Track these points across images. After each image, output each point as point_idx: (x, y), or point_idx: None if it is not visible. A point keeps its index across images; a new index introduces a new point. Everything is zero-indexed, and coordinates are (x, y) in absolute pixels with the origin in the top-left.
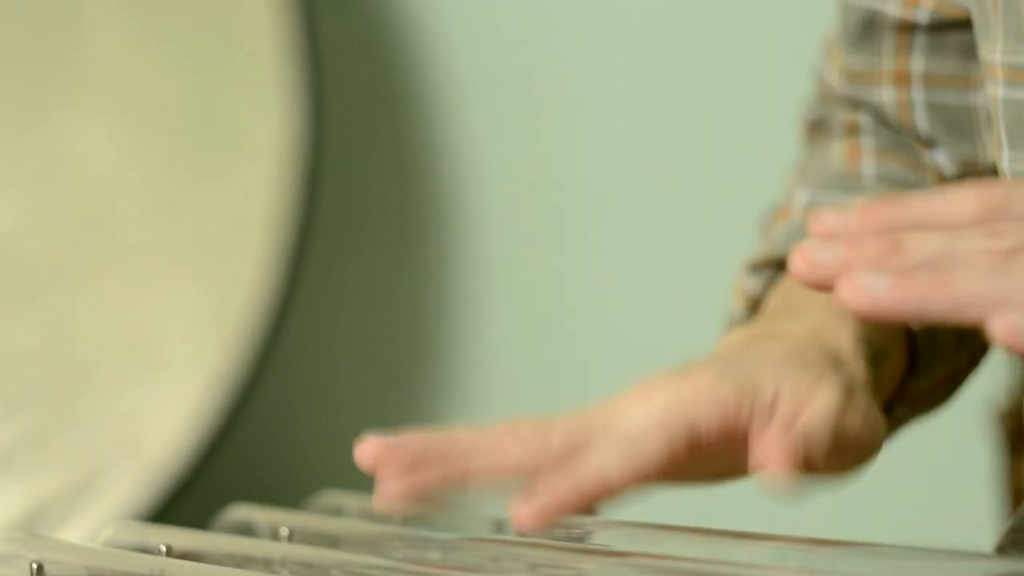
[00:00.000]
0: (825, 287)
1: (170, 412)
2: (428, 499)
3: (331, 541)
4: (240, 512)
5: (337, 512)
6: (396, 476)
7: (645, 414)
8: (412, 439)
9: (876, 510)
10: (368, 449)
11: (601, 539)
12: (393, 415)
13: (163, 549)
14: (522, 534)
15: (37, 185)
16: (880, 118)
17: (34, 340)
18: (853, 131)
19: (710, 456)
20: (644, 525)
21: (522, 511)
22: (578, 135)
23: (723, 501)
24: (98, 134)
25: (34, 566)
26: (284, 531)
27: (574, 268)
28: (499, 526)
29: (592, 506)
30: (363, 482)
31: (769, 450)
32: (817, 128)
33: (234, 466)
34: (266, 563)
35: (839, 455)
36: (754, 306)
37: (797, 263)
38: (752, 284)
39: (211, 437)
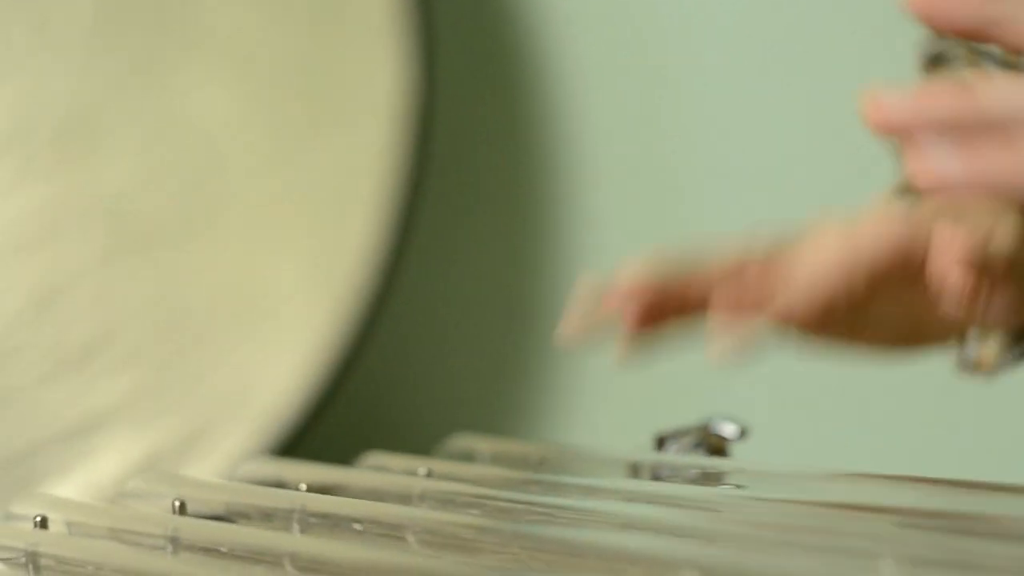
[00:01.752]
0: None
1: (281, 366)
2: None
3: (467, 482)
4: (375, 458)
5: (469, 455)
6: (636, 323)
7: (824, 250)
8: (649, 288)
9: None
10: (614, 297)
11: (734, 482)
12: (505, 369)
13: (303, 487)
14: (656, 476)
15: (151, 142)
16: None
17: (147, 295)
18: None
19: (890, 300)
20: (779, 471)
21: (714, 347)
22: (695, 102)
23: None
24: (211, 91)
25: (177, 503)
26: (422, 470)
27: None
28: (634, 469)
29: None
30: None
31: (950, 253)
32: (936, 62)
33: (345, 420)
34: (405, 498)
35: (1010, 291)
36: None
37: (868, 108)
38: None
39: (322, 390)
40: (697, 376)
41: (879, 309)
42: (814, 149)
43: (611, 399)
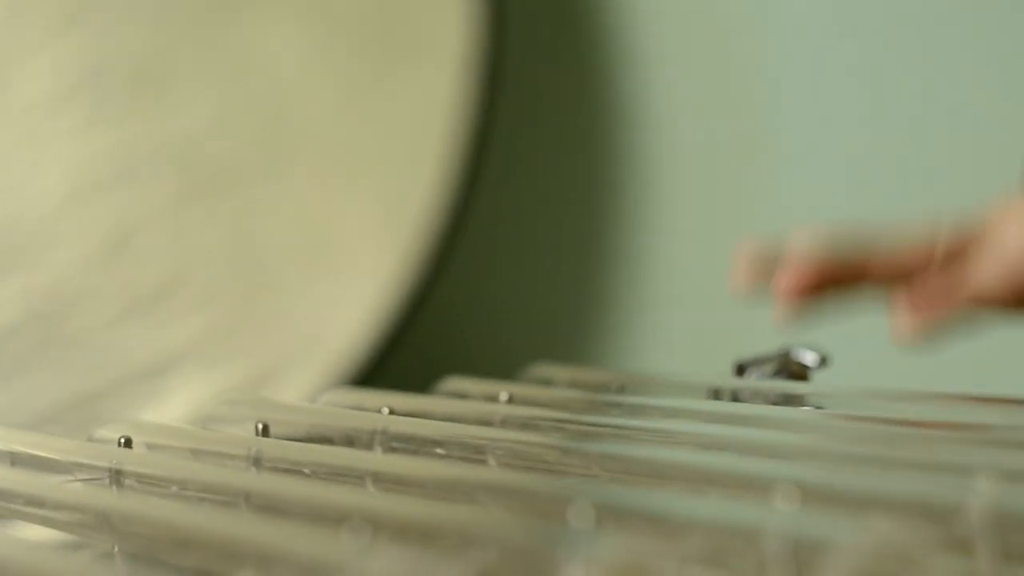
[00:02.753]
0: None
1: (353, 306)
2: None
3: (548, 406)
4: (454, 383)
5: (549, 383)
6: (801, 292)
7: (1020, 229)
8: (820, 261)
9: None
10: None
11: (813, 403)
12: (581, 301)
13: (385, 411)
14: (736, 397)
15: (224, 86)
16: None
17: (219, 237)
18: None
19: None
20: (862, 392)
21: (903, 322)
22: (772, 54)
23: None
24: (283, 35)
25: (260, 426)
26: (503, 395)
27: (754, 182)
28: (715, 394)
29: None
30: (558, 362)
31: None
32: None
33: (418, 358)
34: (486, 423)
35: None
36: None
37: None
38: None
39: (394, 330)
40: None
41: None
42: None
43: (691, 328)
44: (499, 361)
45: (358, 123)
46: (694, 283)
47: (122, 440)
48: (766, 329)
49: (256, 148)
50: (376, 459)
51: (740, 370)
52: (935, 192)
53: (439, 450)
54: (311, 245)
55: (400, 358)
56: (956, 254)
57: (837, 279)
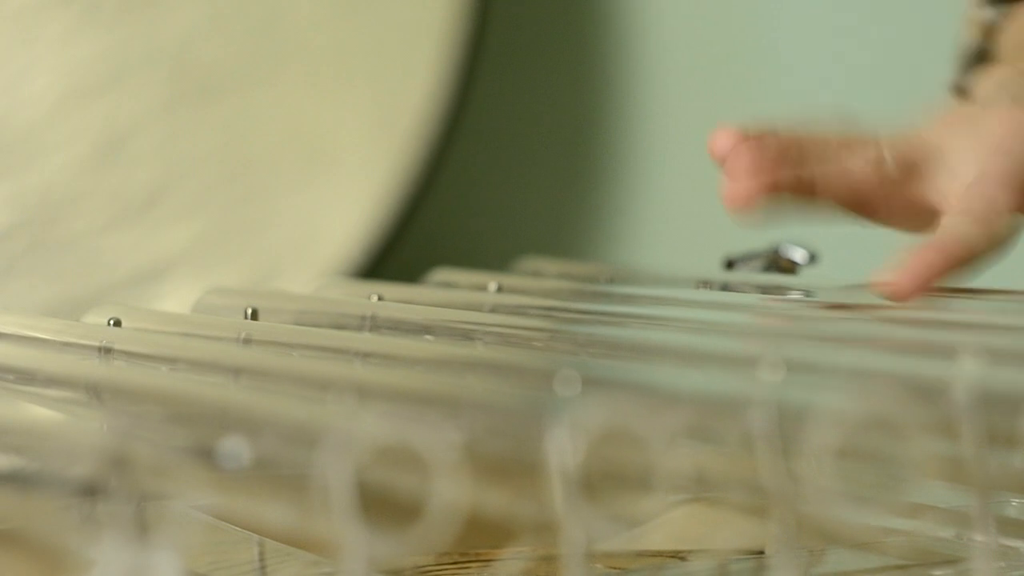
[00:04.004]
0: None
1: (344, 213)
2: (774, 202)
3: (537, 295)
4: (444, 274)
5: (538, 275)
6: (748, 175)
7: (972, 153)
8: (767, 138)
9: None
10: (721, 140)
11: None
12: (568, 218)
13: (375, 298)
14: (726, 287)
15: None
16: None
17: (211, 143)
18: None
19: None
20: (849, 285)
21: (897, 280)
22: None
23: None
24: None
25: (249, 311)
26: (492, 285)
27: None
28: (703, 285)
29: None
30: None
31: None
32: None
33: (411, 263)
34: (475, 310)
35: None
36: (989, 34)
37: None
38: (987, 14)
39: (385, 236)
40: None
41: None
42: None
43: (680, 225)
44: (494, 260)
45: (351, 26)
46: (688, 183)
47: (111, 321)
48: (759, 230)
49: (248, 52)
50: (365, 339)
51: (729, 266)
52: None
53: (428, 336)
54: (304, 148)
55: (395, 260)
56: (908, 168)
57: (788, 181)
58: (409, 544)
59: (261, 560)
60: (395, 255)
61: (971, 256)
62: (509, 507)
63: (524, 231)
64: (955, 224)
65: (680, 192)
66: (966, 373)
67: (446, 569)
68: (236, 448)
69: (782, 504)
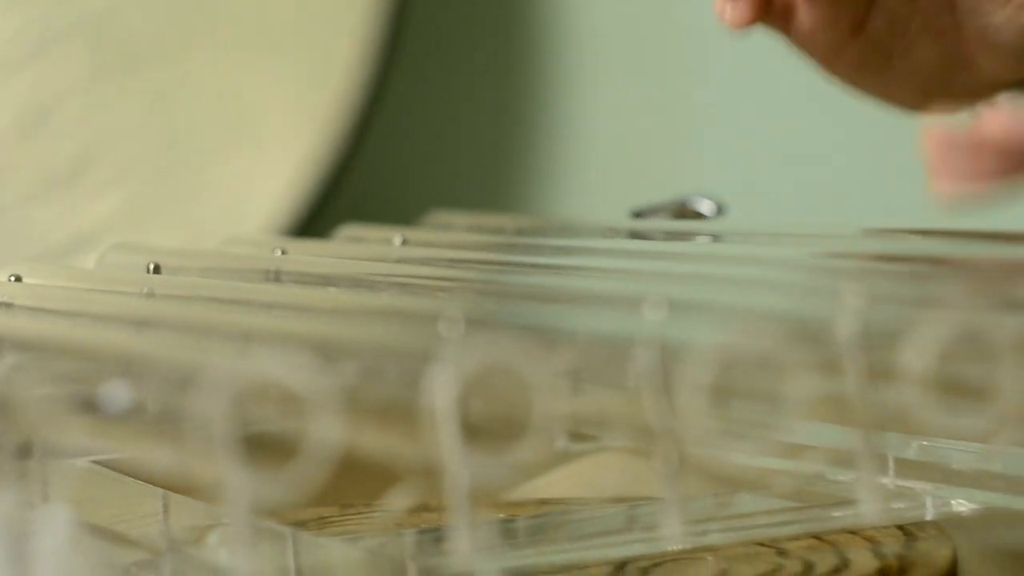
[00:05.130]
0: None
1: (272, 181)
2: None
3: (441, 247)
4: (351, 230)
5: (446, 228)
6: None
7: None
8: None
9: None
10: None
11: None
12: (497, 182)
13: (278, 252)
14: (633, 235)
15: None
16: None
17: (134, 113)
18: None
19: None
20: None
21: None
22: None
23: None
24: None
25: (151, 266)
26: (397, 239)
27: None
28: (609, 233)
29: None
30: None
31: None
32: None
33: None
34: (382, 260)
35: None
36: None
37: None
38: None
39: (313, 204)
40: (675, 156)
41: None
42: None
43: (608, 182)
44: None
45: None
46: (613, 141)
47: (12, 277)
48: (667, 181)
49: (172, 21)
50: (264, 290)
51: (637, 217)
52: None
53: (332, 288)
54: (230, 117)
55: (324, 226)
56: None
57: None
58: (288, 485)
59: (165, 512)
60: (324, 221)
61: None
62: (395, 451)
63: (452, 191)
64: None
65: (605, 150)
66: (849, 312)
67: (350, 519)
68: (117, 392)
69: (667, 444)
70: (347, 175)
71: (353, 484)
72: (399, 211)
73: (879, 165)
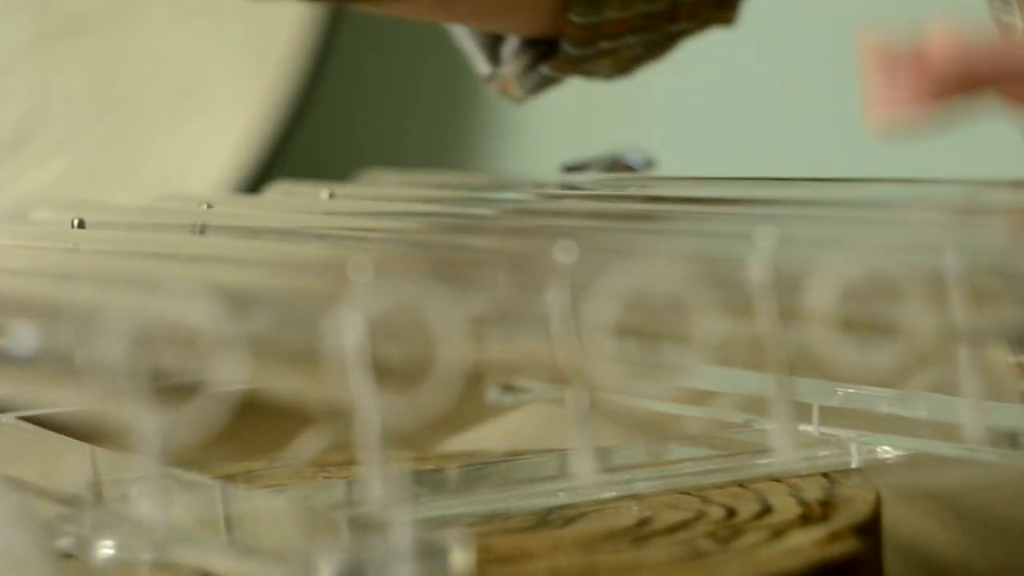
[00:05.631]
0: None
1: (217, 149)
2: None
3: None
4: (281, 187)
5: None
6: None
7: None
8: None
9: None
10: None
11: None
12: (443, 149)
13: (205, 206)
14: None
15: None
16: None
17: (81, 79)
18: None
19: None
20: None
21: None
22: None
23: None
24: None
25: (75, 220)
26: (324, 194)
27: None
28: (539, 187)
29: None
30: None
31: None
32: None
33: None
34: (308, 214)
35: None
36: None
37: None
38: None
39: (260, 170)
40: (608, 112)
41: None
42: None
43: (557, 139)
44: None
45: None
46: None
47: None
48: (602, 135)
49: None
50: (188, 242)
51: (568, 172)
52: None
53: (254, 240)
54: (176, 82)
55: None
56: None
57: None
58: (192, 425)
59: (94, 466)
60: (272, 183)
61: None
62: (306, 395)
63: (397, 150)
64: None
65: (546, 108)
66: (760, 254)
67: (278, 471)
68: (24, 337)
69: (577, 386)
70: (294, 137)
71: (272, 433)
72: (346, 172)
73: (815, 123)
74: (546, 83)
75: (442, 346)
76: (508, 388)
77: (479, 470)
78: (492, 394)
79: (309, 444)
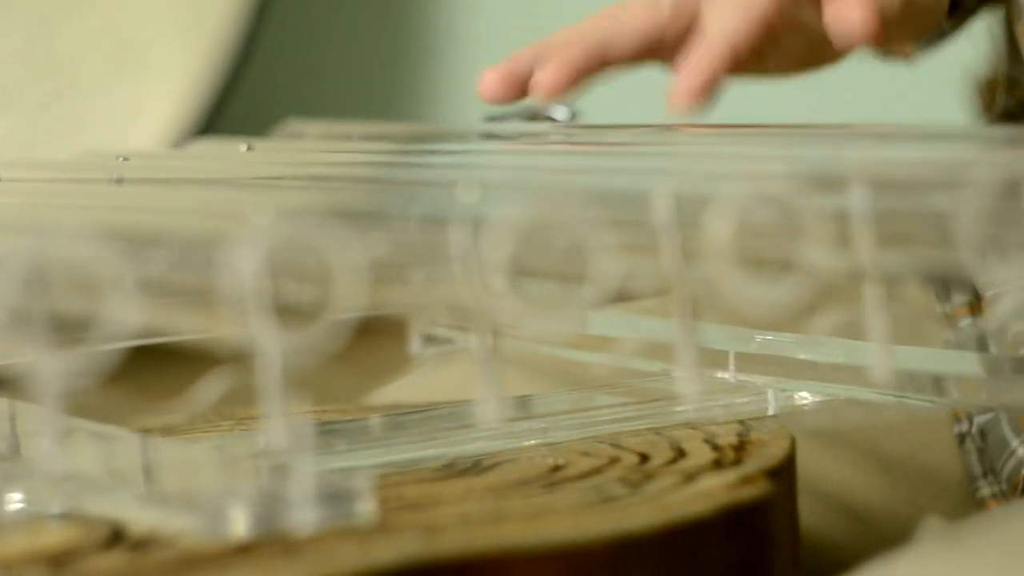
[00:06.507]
0: None
1: (156, 109)
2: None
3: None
4: (200, 144)
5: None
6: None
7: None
8: (522, 56)
9: None
10: (490, 82)
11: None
12: (381, 106)
13: (121, 158)
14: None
15: None
16: None
17: (17, 42)
18: None
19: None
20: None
21: (678, 91)
22: None
23: None
24: None
25: None
26: (243, 146)
27: None
28: (461, 135)
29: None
30: None
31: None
32: None
33: None
34: (224, 166)
35: (906, 23)
36: None
37: None
38: None
39: (198, 131)
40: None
41: (783, 44)
42: None
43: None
44: None
45: None
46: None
47: None
48: None
49: None
50: (100, 192)
51: (490, 121)
52: None
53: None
54: (115, 45)
55: None
56: (688, 8)
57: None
58: (87, 365)
59: (11, 419)
60: None
61: (734, 48)
62: (204, 334)
63: (336, 105)
64: (717, 19)
65: (486, 55)
66: (663, 193)
67: (197, 428)
68: None
69: (480, 324)
70: (233, 95)
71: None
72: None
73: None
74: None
75: (338, 284)
76: (431, 339)
77: (397, 420)
78: (415, 344)
79: (210, 388)
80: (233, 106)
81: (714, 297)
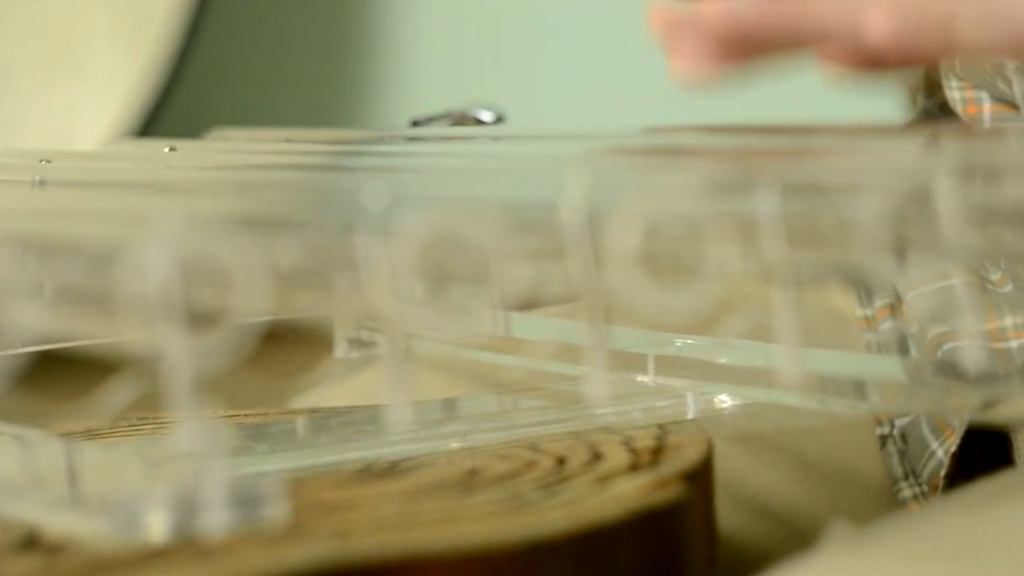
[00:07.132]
0: None
1: (95, 112)
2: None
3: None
4: (124, 145)
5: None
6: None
7: None
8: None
9: None
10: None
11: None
12: (319, 110)
13: (44, 161)
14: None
15: None
16: None
17: None
18: None
19: None
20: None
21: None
22: None
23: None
24: None
25: None
26: (166, 149)
27: None
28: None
29: None
30: None
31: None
32: None
33: None
34: (145, 167)
35: None
36: None
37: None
38: None
39: (137, 135)
40: (457, 69)
41: None
42: None
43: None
44: None
45: None
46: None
47: None
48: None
49: None
50: (23, 195)
51: (415, 125)
52: None
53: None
54: (52, 51)
55: None
56: None
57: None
58: None
59: None
60: None
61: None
62: (111, 340)
63: (274, 109)
64: None
65: (435, 60)
66: (572, 198)
67: (119, 431)
68: None
69: (391, 330)
70: (173, 98)
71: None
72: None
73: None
74: None
75: (240, 289)
76: (356, 343)
77: (319, 423)
78: (341, 349)
79: (117, 393)
80: (172, 108)
81: (621, 304)
